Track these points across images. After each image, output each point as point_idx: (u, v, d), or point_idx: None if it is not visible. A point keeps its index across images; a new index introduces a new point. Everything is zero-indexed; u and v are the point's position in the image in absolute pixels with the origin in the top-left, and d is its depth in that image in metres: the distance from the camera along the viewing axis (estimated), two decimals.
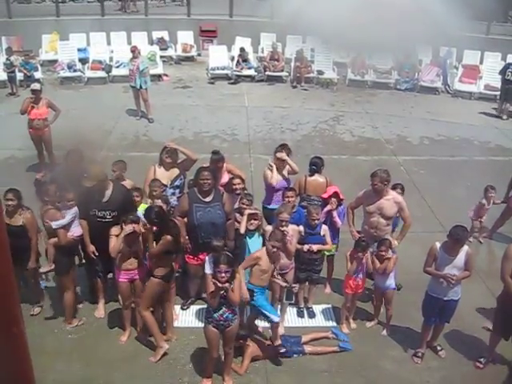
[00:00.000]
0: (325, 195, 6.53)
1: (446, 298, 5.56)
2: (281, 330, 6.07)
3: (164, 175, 6.64)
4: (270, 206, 6.75)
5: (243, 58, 14.98)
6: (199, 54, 16.49)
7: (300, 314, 6.46)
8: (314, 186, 6.75)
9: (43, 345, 5.66)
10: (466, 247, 5.47)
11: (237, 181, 6.55)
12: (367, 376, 5.57)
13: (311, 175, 6.82)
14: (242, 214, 6.09)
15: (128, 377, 5.42)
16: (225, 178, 6.80)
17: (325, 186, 6.70)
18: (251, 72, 15.01)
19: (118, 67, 14.53)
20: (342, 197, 6.49)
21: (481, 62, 15.13)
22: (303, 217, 6.20)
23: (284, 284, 5.76)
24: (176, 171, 6.74)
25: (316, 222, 6.03)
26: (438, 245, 5.55)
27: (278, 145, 7.19)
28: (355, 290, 6.08)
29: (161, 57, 15.33)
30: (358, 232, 6.36)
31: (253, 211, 5.96)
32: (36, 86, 9.43)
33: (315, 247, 6.03)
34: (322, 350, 5.79)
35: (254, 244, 5.94)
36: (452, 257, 5.45)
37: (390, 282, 6.00)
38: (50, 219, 5.70)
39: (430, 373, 5.64)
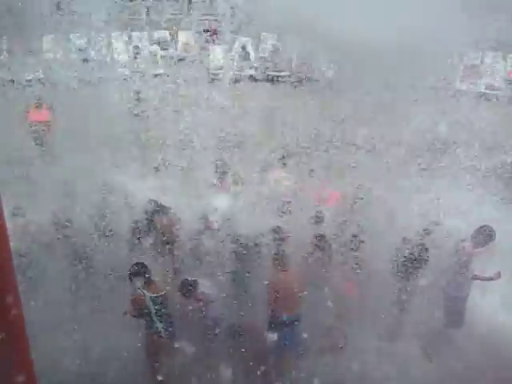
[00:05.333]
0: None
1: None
2: None
3: None
4: None
5: (244, 57, 14.98)
6: (200, 54, 16.47)
7: None
8: None
9: None
10: None
11: None
12: (367, 376, 5.58)
13: None
14: None
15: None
16: None
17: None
18: (252, 72, 15.01)
19: (118, 67, 14.52)
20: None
21: (481, 62, 15.09)
22: None
23: None
24: None
25: None
26: None
27: None
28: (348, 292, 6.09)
29: (161, 56, 15.35)
30: None
31: None
32: None
33: None
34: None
35: None
36: None
37: None
38: None
39: (430, 372, 5.65)
